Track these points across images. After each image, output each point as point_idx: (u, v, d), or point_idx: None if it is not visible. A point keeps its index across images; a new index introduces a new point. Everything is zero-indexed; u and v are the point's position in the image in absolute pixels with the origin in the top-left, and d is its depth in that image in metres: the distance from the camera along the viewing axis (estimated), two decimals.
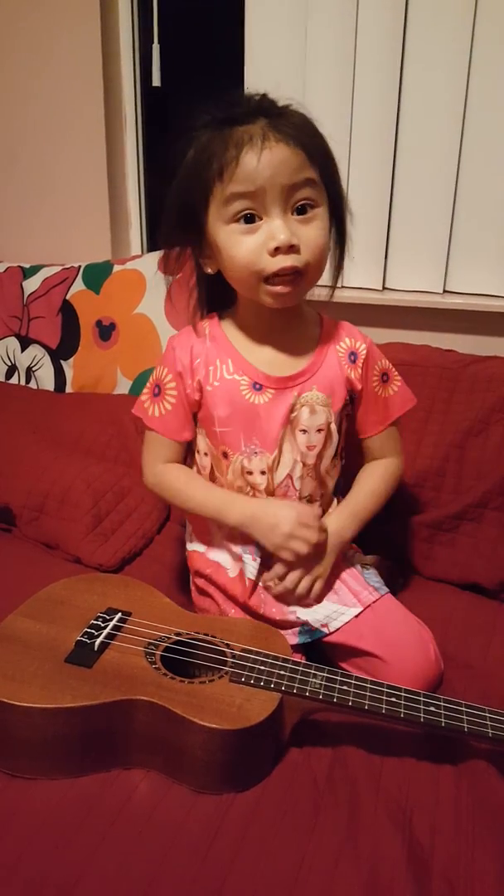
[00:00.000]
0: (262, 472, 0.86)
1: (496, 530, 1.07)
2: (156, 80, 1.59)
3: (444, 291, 1.46)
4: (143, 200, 1.73)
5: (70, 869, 0.59)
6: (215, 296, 0.90)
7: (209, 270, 0.85)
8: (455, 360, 1.22)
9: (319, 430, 0.86)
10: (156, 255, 1.48)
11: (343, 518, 0.90)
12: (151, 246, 1.75)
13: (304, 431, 0.86)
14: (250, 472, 0.86)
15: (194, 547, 0.95)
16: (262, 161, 0.74)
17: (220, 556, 0.92)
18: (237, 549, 0.89)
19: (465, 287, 1.45)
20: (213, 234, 0.80)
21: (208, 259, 0.84)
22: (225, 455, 0.87)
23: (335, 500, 0.94)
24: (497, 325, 1.42)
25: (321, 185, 0.79)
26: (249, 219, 0.77)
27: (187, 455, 0.94)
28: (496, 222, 1.39)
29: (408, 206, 1.42)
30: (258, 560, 0.88)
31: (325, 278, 0.86)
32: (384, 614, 0.88)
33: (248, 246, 0.77)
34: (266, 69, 1.40)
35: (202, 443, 0.90)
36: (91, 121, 1.59)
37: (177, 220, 0.82)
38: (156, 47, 1.57)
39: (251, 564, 0.88)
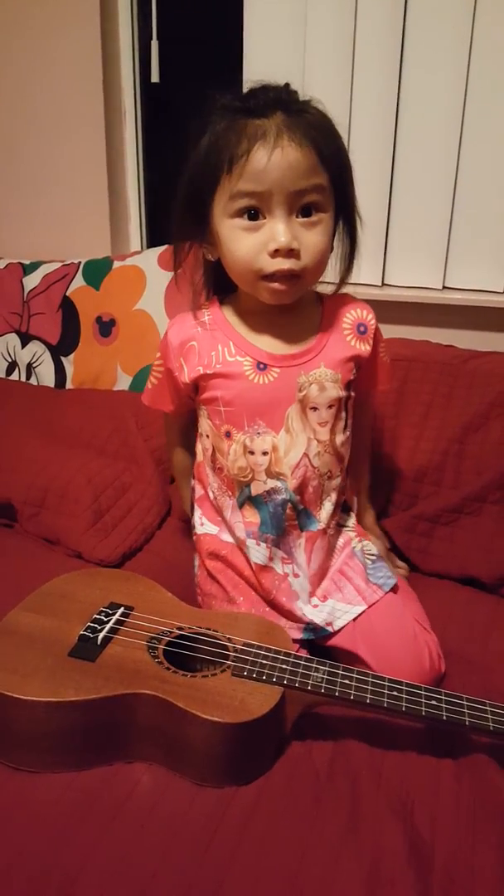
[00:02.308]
0: (265, 453, 0.86)
1: (495, 524, 1.07)
2: (154, 77, 1.58)
3: (444, 287, 1.46)
4: (143, 196, 1.72)
5: (72, 862, 0.59)
6: (219, 281, 0.90)
7: (210, 258, 0.85)
8: (455, 355, 1.22)
9: (330, 406, 0.86)
10: (156, 251, 1.48)
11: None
12: (151, 242, 1.75)
13: (315, 409, 0.85)
14: (252, 452, 0.86)
15: (206, 530, 0.95)
16: (272, 161, 0.73)
17: (232, 538, 0.92)
18: (240, 533, 0.89)
19: (463, 283, 1.45)
20: (217, 224, 0.80)
21: (211, 246, 0.84)
22: (228, 435, 0.87)
23: (347, 477, 0.94)
24: (496, 321, 1.43)
25: (331, 190, 0.78)
26: (253, 216, 0.77)
27: (194, 430, 0.95)
28: (495, 219, 1.39)
29: (407, 202, 1.42)
30: (262, 545, 0.88)
31: (333, 276, 0.87)
32: (379, 621, 0.87)
33: (248, 244, 0.78)
34: (264, 66, 1.39)
35: (205, 424, 0.90)
36: (91, 117, 1.59)
37: (185, 206, 0.82)
38: (154, 43, 1.57)
39: (256, 549, 0.88)
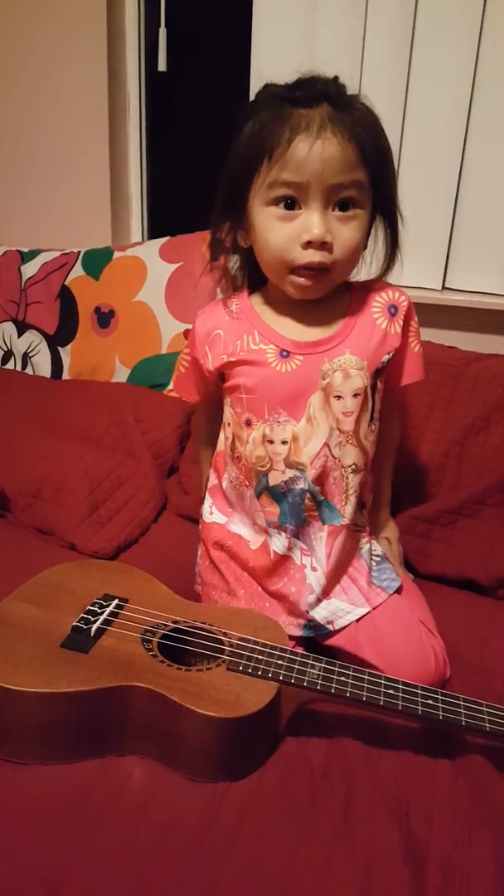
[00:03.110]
0: (284, 442, 0.85)
1: (494, 527, 1.07)
2: (162, 66, 1.57)
3: (443, 288, 1.46)
4: (145, 187, 1.71)
5: (63, 856, 0.58)
6: (252, 271, 0.89)
7: (243, 244, 0.85)
8: (457, 357, 1.22)
9: (356, 395, 0.84)
10: (157, 242, 1.47)
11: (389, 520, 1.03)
12: (153, 233, 1.74)
13: (339, 397, 0.84)
14: (271, 441, 0.85)
15: (214, 519, 0.94)
16: (313, 153, 0.73)
17: (241, 529, 0.92)
18: (261, 522, 0.88)
19: (464, 285, 1.45)
20: (253, 211, 0.80)
21: (245, 233, 0.83)
22: (248, 423, 0.86)
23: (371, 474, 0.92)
24: (496, 323, 1.42)
25: (369, 187, 0.78)
26: (290, 205, 0.77)
27: (219, 417, 0.94)
28: (496, 221, 1.39)
29: (409, 203, 1.39)
30: (282, 534, 0.87)
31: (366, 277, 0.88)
32: (384, 624, 0.86)
33: (282, 233, 0.77)
34: (273, 55, 1.39)
35: (227, 413, 0.90)
36: (94, 106, 1.58)
37: (225, 190, 0.81)
38: (162, 31, 1.55)
39: (277, 538, 0.87)
